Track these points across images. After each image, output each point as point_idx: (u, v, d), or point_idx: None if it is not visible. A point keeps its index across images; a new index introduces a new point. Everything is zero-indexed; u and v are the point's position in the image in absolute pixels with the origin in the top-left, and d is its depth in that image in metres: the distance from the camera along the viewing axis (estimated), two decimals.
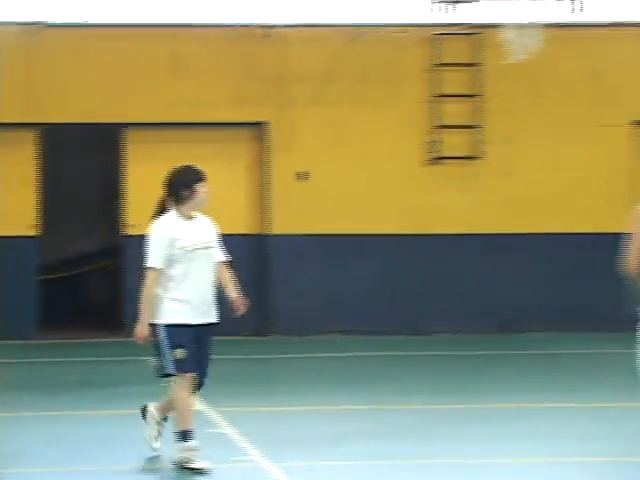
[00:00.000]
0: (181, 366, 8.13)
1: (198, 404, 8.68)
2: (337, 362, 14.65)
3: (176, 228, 8.15)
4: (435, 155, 16.61)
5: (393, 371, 13.56)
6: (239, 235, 16.11)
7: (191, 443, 8.17)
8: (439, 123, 16.58)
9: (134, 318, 8.22)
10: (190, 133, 16.39)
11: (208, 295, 8.22)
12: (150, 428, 8.59)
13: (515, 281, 16.54)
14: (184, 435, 8.17)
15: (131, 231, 16.06)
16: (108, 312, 17.08)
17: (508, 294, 16.49)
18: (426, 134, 16.62)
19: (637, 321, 7.55)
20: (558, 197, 16.60)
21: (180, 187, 8.17)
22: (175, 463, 8.23)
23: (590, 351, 15.16)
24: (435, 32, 16.44)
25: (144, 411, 8.66)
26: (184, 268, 8.12)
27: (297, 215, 16.48)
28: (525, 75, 16.05)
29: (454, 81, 16.56)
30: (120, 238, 16.60)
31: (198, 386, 8.30)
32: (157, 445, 8.56)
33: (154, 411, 8.59)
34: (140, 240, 7.91)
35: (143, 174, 15.79)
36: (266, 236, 16.57)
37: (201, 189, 8.20)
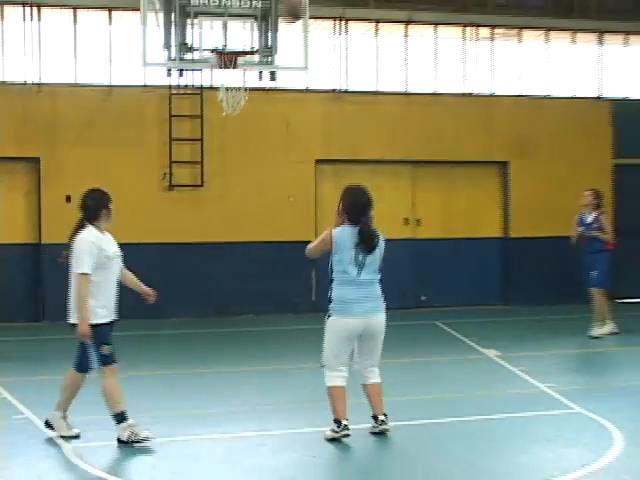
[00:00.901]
0: (108, 360, 7.54)
1: None
2: None
3: (100, 240, 7.69)
4: (170, 184, 16.56)
5: (134, 347, 13.34)
6: (17, 245, 16.03)
7: (130, 421, 7.53)
8: (172, 160, 16.52)
9: None
10: None
11: (115, 295, 7.78)
12: (61, 427, 7.67)
13: (230, 277, 16.65)
14: (122, 416, 7.54)
15: None
16: None
17: (225, 287, 16.60)
18: (163, 168, 16.55)
19: (328, 304, 7.74)
20: (260, 215, 16.84)
21: (100, 207, 7.82)
22: (124, 441, 7.43)
23: (287, 328, 15.40)
24: (170, 92, 16.46)
25: (48, 422, 7.74)
26: (104, 274, 7.60)
27: (63, 228, 15.92)
28: (236, 125, 16.22)
29: (183, 128, 16.57)
30: None
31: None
32: (76, 430, 7.70)
33: (56, 412, 7.73)
34: None
35: None
36: (39, 244, 16.09)
37: (112, 207, 7.88)
